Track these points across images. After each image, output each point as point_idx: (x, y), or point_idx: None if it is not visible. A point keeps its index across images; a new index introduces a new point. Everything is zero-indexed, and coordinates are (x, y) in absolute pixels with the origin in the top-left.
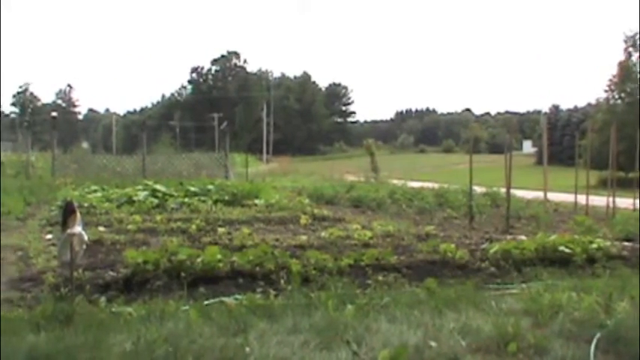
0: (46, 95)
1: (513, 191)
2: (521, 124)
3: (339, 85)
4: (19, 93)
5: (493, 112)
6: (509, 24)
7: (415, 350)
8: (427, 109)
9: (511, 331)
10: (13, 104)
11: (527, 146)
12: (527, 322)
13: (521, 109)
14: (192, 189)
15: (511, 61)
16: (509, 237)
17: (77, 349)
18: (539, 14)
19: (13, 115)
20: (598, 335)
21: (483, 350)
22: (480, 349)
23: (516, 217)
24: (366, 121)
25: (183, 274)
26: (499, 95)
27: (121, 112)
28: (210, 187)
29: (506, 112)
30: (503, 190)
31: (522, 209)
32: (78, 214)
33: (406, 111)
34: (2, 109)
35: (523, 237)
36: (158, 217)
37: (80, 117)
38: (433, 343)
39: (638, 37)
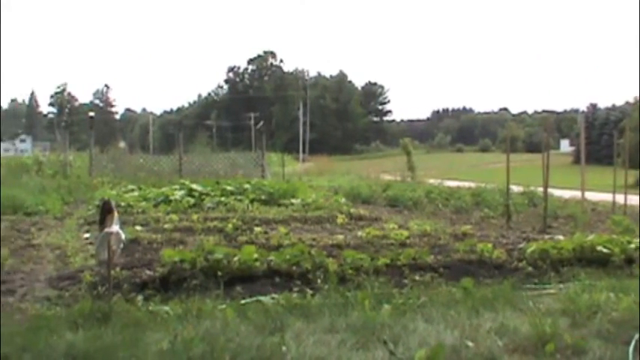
0: (83, 95)
1: (551, 190)
2: (558, 123)
3: (376, 84)
4: (56, 93)
5: (530, 111)
6: (546, 22)
7: (452, 350)
8: (464, 108)
9: (549, 332)
10: (51, 104)
11: (565, 145)
12: (564, 323)
13: (559, 108)
14: (229, 188)
15: (549, 59)
16: (546, 237)
17: (114, 348)
18: (577, 12)
19: (51, 115)
20: (636, 336)
21: (520, 350)
22: (517, 350)
23: (554, 217)
24: (402, 120)
25: (219, 273)
26: (536, 94)
27: (158, 112)
28: (247, 186)
29: (544, 111)
30: (540, 189)
31: (560, 209)
32: (115, 213)
33: (443, 110)
34: (40, 109)
35: (561, 237)
36: (194, 217)
37: (117, 117)
38: (470, 343)
39: None
